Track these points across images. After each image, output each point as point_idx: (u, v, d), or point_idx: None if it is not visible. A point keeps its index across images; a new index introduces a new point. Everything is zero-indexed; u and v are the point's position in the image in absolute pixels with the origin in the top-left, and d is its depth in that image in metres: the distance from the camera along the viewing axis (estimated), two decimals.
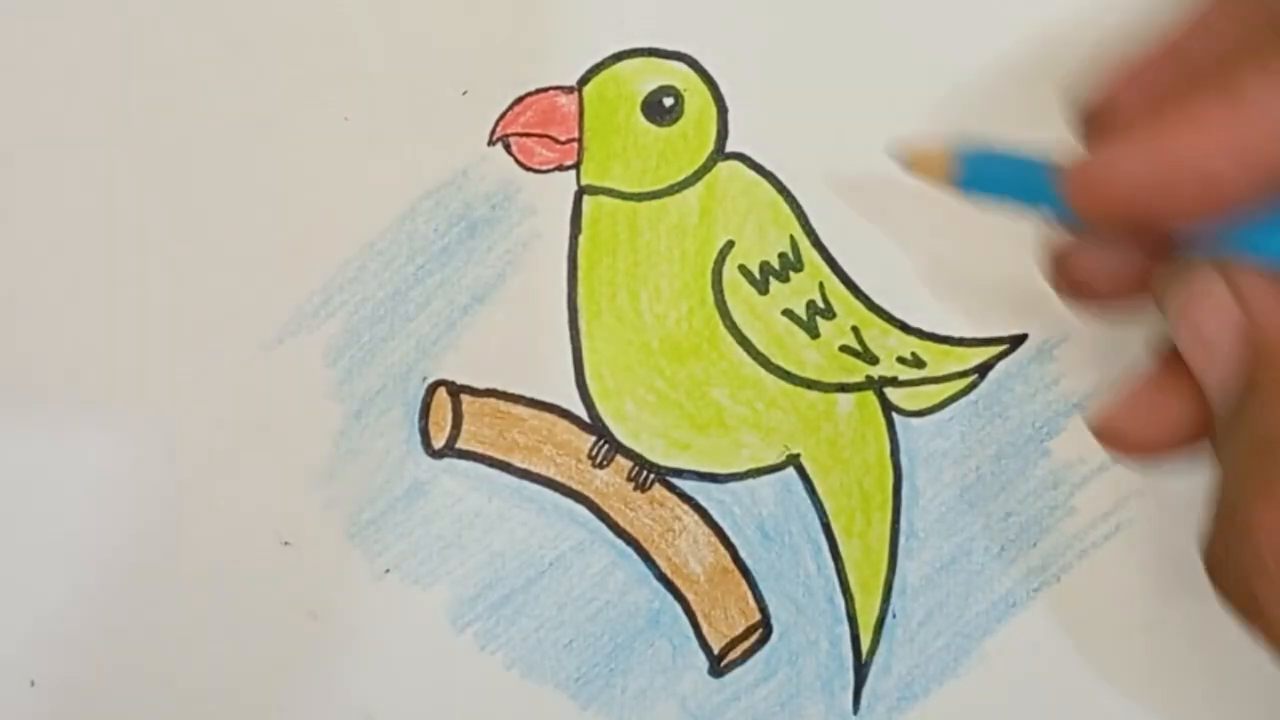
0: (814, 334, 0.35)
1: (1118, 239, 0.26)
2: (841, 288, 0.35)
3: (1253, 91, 0.23)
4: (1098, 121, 0.27)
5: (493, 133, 0.35)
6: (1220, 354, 0.25)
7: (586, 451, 0.35)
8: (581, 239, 0.35)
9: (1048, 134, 0.31)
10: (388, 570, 0.35)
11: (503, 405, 0.35)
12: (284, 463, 0.35)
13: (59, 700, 0.35)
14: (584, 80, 0.35)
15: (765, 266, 0.35)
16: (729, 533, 0.35)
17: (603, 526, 0.35)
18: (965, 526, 0.35)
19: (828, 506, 0.35)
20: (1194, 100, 0.24)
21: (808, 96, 0.35)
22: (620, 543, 0.35)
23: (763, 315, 0.35)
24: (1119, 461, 0.31)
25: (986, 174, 0.30)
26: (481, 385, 0.35)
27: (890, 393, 0.35)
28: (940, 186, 0.30)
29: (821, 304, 0.35)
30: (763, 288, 0.35)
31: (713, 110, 0.35)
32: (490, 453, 0.35)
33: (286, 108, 0.35)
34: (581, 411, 0.35)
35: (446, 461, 0.35)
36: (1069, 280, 0.28)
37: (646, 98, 0.35)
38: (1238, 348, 0.24)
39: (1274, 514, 0.22)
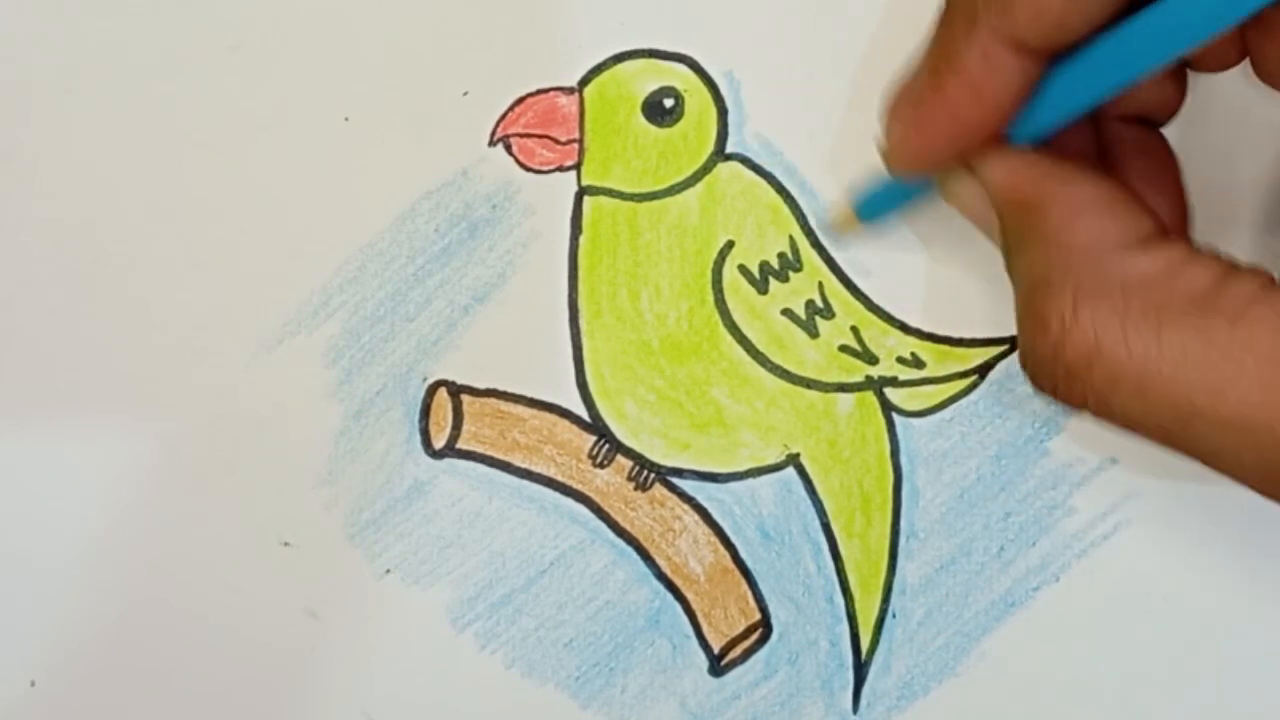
0: (813, 334, 0.35)
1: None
2: (841, 288, 0.35)
3: None
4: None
5: (493, 133, 0.35)
6: (984, 221, 0.31)
7: (587, 451, 0.35)
8: (582, 239, 0.35)
9: None
10: (388, 570, 0.35)
11: (503, 405, 0.35)
12: (284, 463, 0.35)
13: (59, 700, 0.35)
14: (584, 81, 0.35)
15: (765, 266, 0.35)
16: (729, 532, 0.35)
17: (603, 526, 0.35)
18: (965, 526, 0.35)
19: (828, 506, 0.35)
20: None
21: (808, 96, 0.35)
22: (620, 542, 0.35)
23: (762, 315, 0.35)
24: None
25: (873, 202, 0.34)
26: (482, 385, 0.35)
27: (890, 393, 0.35)
28: (855, 230, 0.35)
29: (821, 304, 0.35)
30: (762, 288, 0.35)
31: (713, 111, 0.35)
32: (491, 453, 0.35)
33: (286, 108, 0.35)
34: (582, 411, 0.35)
35: (447, 461, 0.35)
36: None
37: (647, 99, 0.35)
38: (990, 215, 0.31)
39: (1045, 339, 0.29)
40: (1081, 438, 0.35)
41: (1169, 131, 0.32)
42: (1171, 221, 0.31)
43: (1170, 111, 0.32)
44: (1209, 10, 0.27)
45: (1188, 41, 0.27)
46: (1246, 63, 0.31)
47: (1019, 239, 0.30)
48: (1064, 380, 0.29)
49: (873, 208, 0.34)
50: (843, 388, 0.35)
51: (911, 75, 0.31)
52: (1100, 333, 0.28)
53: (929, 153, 0.31)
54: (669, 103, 0.35)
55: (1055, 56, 0.29)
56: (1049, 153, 0.30)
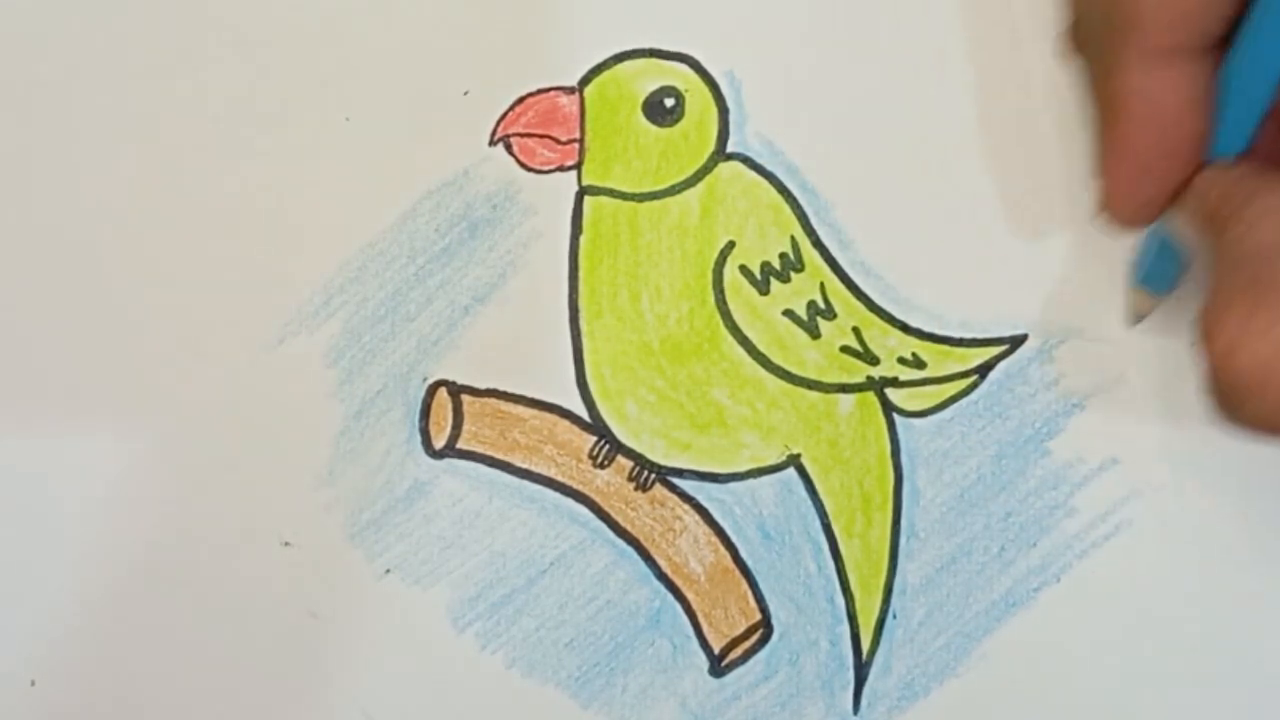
0: (815, 334, 0.35)
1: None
2: (842, 288, 0.35)
3: None
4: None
5: (494, 133, 0.35)
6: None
7: (587, 451, 0.35)
8: (582, 239, 0.35)
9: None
10: (388, 570, 0.35)
11: (503, 405, 0.35)
12: (284, 463, 0.35)
13: (59, 700, 0.35)
14: (585, 81, 0.35)
15: (766, 267, 0.35)
16: (730, 532, 0.35)
17: (603, 526, 0.35)
18: (965, 527, 0.35)
19: (828, 506, 0.35)
20: None
21: (809, 96, 0.35)
22: (621, 542, 0.35)
23: (763, 315, 0.35)
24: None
25: (1154, 271, 0.33)
26: (482, 385, 0.35)
27: (891, 393, 0.35)
28: (1158, 305, 0.34)
29: (822, 304, 0.35)
30: (763, 288, 0.35)
31: (714, 111, 0.35)
32: (491, 453, 0.35)
33: (286, 108, 0.35)
34: (582, 411, 0.35)
35: (447, 462, 0.35)
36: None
37: (648, 98, 0.35)
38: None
39: (1214, 348, 0.26)
40: (1082, 438, 0.35)
41: None
42: None
43: None
44: None
45: None
46: None
47: (1208, 254, 0.28)
48: (1236, 397, 0.26)
49: (1157, 275, 0.33)
50: (844, 388, 0.35)
51: (1096, 137, 0.30)
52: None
53: (1144, 200, 0.29)
54: (670, 102, 0.35)
55: (1216, 55, 0.28)
56: (1247, 161, 0.29)
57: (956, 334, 0.35)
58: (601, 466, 0.35)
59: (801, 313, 0.35)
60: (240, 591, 0.35)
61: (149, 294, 0.35)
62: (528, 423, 0.35)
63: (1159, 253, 0.32)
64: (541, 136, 0.35)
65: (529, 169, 0.35)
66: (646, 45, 0.35)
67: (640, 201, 0.35)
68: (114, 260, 0.35)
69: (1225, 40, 0.28)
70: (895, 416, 0.35)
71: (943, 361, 0.35)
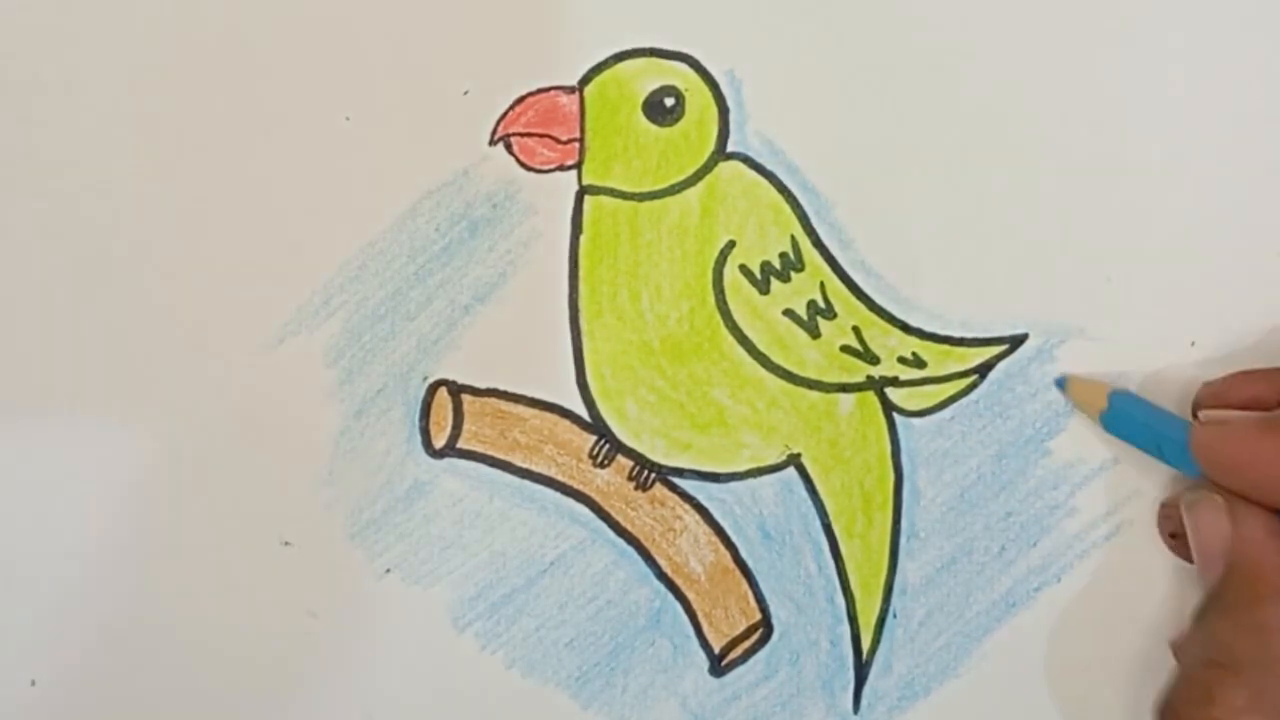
0: (815, 334, 0.35)
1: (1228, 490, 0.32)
2: (842, 288, 0.35)
3: None
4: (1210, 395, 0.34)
5: (494, 132, 0.35)
6: (1209, 556, 0.32)
7: (587, 451, 0.35)
8: (582, 239, 0.35)
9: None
10: (388, 570, 0.35)
11: (504, 405, 0.35)
12: (284, 463, 0.35)
13: (59, 700, 0.35)
14: (585, 80, 0.35)
15: (766, 266, 0.35)
16: (730, 532, 0.35)
17: (604, 526, 0.35)
18: (966, 526, 0.35)
19: (829, 506, 0.35)
20: None
21: (809, 95, 0.35)
22: (621, 542, 0.35)
23: (764, 315, 0.35)
24: None
25: (1128, 419, 0.34)
26: (482, 385, 0.35)
27: (891, 393, 0.35)
28: (1088, 414, 0.34)
29: (822, 304, 0.35)
30: (764, 287, 0.35)
31: (714, 110, 0.35)
32: (491, 452, 0.35)
33: (286, 108, 0.35)
34: (582, 411, 0.35)
35: (447, 461, 0.35)
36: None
37: (648, 98, 0.35)
38: (1221, 556, 0.31)
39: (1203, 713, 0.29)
40: (1083, 438, 0.35)
41: None
42: None
43: None
44: None
45: None
46: None
47: (1235, 597, 0.30)
48: None
49: (1122, 423, 0.34)
50: (844, 388, 0.35)
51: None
52: None
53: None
54: (670, 102, 0.35)
55: None
56: None
57: (957, 333, 0.35)
58: (602, 466, 0.35)
59: (802, 312, 0.35)
60: (240, 591, 0.35)
61: (149, 294, 0.35)
62: (528, 422, 0.35)
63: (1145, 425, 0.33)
64: (542, 136, 0.35)
65: (529, 168, 0.35)
66: (646, 45, 0.35)
67: (640, 201, 0.35)
68: (114, 260, 0.35)
69: None
70: (895, 416, 0.35)
71: (943, 361, 0.35)
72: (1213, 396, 0.33)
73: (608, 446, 0.35)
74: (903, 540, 0.35)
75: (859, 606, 0.35)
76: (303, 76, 0.35)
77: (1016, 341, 0.35)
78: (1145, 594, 0.34)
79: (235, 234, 0.35)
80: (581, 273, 0.35)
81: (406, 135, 0.35)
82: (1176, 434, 0.32)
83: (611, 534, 0.35)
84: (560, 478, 0.35)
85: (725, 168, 0.35)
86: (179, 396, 0.35)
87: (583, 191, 0.35)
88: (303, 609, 0.35)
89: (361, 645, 0.35)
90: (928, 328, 0.35)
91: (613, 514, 0.35)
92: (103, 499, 0.35)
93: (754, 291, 0.35)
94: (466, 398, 0.35)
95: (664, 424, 0.35)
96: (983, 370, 0.35)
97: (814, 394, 0.35)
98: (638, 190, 0.35)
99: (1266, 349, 0.34)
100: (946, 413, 0.35)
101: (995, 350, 0.35)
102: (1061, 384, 0.34)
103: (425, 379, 0.35)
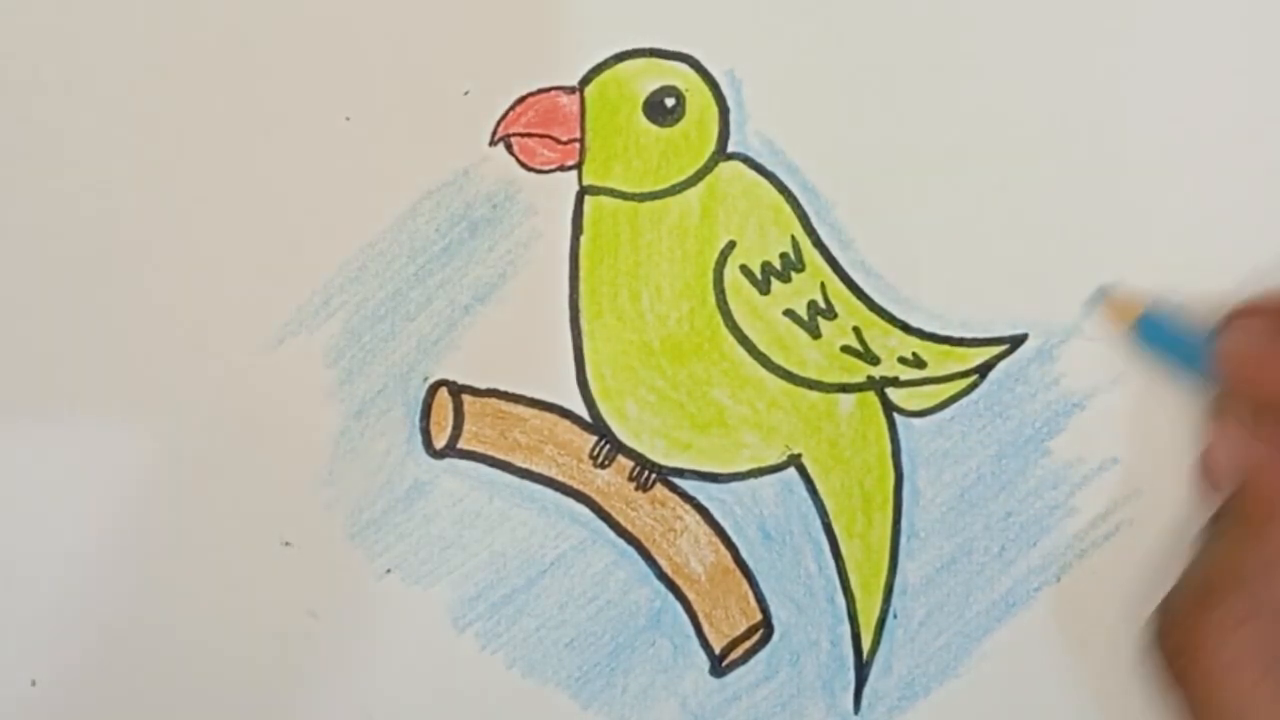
0: (815, 334, 0.35)
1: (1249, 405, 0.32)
2: (843, 288, 0.35)
3: None
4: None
5: (494, 132, 0.35)
6: (1224, 470, 0.32)
7: (588, 451, 0.35)
8: (583, 239, 0.35)
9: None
10: (388, 570, 0.35)
11: (504, 405, 0.35)
12: (284, 463, 0.35)
13: (59, 700, 0.35)
14: (585, 80, 0.35)
15: (766, 266, 0.35)
16: (730, 532, 0.35)
17: (604, 526, 0.35)
18: (966, 526, 0.35)
19: (829, 506, 0.35)
20: None
21: (810, 95, 0.35)
22: (621, 542, 0.35)
23: (764, 315, 0.35)
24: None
25: (1159, 331, 0.34)
26: (483, 385, 0.35)
27: (891, 393, 0.35)
28: (1119, 330, 0.34)
29: (823, 304, 0.35)
30: (764, 288, 0.35)
31: (714, 110, 0.35)
32: (491, 453, 0.35)
33: (286, 108, 0.35)
34: (583, 411, 0.35)
35: (447, 461, 0.35)
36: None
37: (648, 98, 0.35)
38: (1236, 473, 0.32)
39: (1205, 617, 0.30)
40: (1082, 437, 0.35)
41: None
42: None
43: None
44: None
45: None
46: None
47: (1250, 511, 0.31)
48: (1174, 658, 0.31)
49: (1153, 335, 0.34)
50: (844, 388, 0.35)
51: None
52: (1244, 661, 0.29)
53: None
54: (670, 102, 0.35)
55: None
56: None
57: (957, 334, 0.35)
58: (602, 466, 0.35)
59: (802, 312, 0.35)
60: (240, 591, 0.35)
61: (149, 294, 0.35)
62: (528, 422, 0.35)
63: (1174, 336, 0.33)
64: (542, 136, 0.35)
65: (529, 169, 0.35)
66: (647, 45, 0.35)
67: (641, 201, 0.35)
68: (114, 260, 0.35)
69: None
70: (896, 416, 0.35)
71: (943, 361, 0.35)
72: (1241, 311, 0.33)
73: (608, 447, 0.35)
74: (903, 540, 0.35)
75: (859, 606, 0.35)
76: (303, 76, 0.35)
77: (1016, 341, 0.35)
78: (1145, 594, 0.34)
79: (235, 234, 0.35)
80: (582, 273, 0.35)
81: (406, 135, 0.35)
82: (1207, 344, 0.32)
83: (612, 534, 0.35)
84: (560, 478, 0.35)
85: (725, 168, 0.35)
86: (179, 396, 0.35)
87: (583, 192, 0.35)
88: (303, 609, 0.35)
89: (361, 645, 0.35)
90: (928, 328, 0.35)
91: (613, 514, 0.35)
92: (103, 499, 0.35)
93: (754, 292, 0.35)
94: (467, 398, 0.35)
95: (664, 424, 0.35)
96: (983, 370, 0.35)
97: (814, 394, 0.35)
98: (638, 190, 0.35)
99: None
100: (946, 413, 0.35)
101: (995, 350, 0.35)
102: (1099, 297, 0.34)
103: (425, 379, 0.35)
